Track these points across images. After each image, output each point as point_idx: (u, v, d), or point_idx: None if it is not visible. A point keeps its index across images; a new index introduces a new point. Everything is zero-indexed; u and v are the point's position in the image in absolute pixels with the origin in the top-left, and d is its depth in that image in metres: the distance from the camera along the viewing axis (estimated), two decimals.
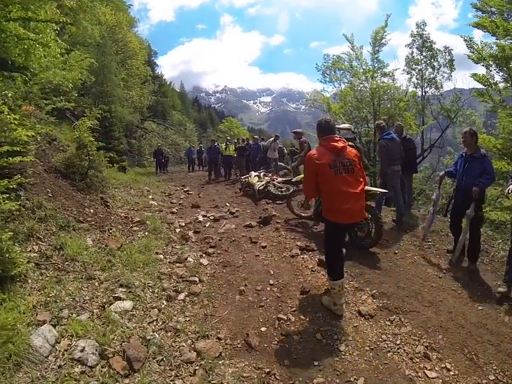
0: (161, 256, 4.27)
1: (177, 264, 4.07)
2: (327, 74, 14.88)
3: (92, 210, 5.36)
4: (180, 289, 3.51)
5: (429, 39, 13.34)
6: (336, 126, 5.12)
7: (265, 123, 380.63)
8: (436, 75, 13.20)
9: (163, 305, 3.27)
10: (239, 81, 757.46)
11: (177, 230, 5.48)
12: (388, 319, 3.10)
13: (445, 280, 3.87)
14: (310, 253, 4.52)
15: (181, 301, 3.36)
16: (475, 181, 3.82)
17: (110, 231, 4.79)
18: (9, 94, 3.65)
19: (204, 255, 4.49)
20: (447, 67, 13.08)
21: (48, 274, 3.38)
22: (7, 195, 3.82)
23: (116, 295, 3.22)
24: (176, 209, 7.18)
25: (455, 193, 4.47)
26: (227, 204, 7.76)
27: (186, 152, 20.10)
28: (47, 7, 5.30)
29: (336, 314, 3.08)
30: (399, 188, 5.51)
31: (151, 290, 3.45)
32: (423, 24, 13.48)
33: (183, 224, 5.88)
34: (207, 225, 5.84)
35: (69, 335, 2.55)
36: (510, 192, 3.39)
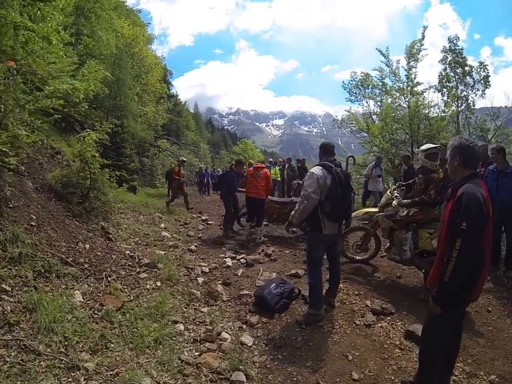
0: (181, 326, 3.03)
1: (207, 345, 2.80)
2: (354, 93, 14.31)
3: (87, 246, 4.24)
4: None
5: (462, 54, 12.60)
6: (419, 149, 4.38)
7: (277, 146, 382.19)
8: (469, 93, 12.36)
9: None
10: (252, 104, 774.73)
11: (200, 280, 4.26)
12: None
13: None
14: (388, 318, 3.42)
15: None
16: (510, 195, 4.22)
17: (109, 279, 3.62)
18: None
19: (244, 326, 3.22)
20: (481, 84, 12.19)
21: (7, 359, 2.22)
22: None
23: None
24: (196, 246, 6.00)
25: None
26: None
27: (198, 174, 19.16)
28: None
29: None
30: None
31: None
32: (455, 39, 12.80)
33: (207, 271, 4.67)
34: (239, 274, 4.60)
35: None
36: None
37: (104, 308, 3.00)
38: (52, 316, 2.57)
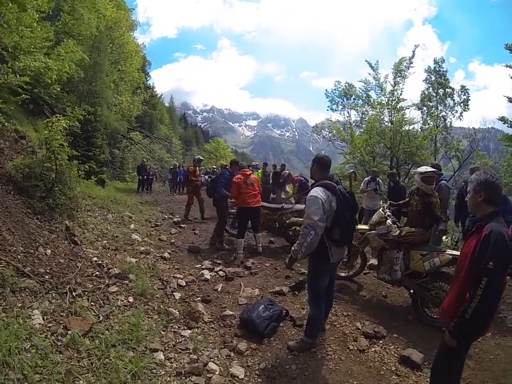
0: (161, 355, 2.63)
1: (194, 379, 2.43)
2: (336, 102, 14.47)
3: (48, 251, 3.69)
4: None
5: (445, 76, 13.10)
6: (416, 171, 4.34)
7: (248, 147, 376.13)
8: (447, 113, 12.89)
9: None
10: (227, 103, 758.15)
11: (177, 296, 3.85)
12: None
13: None
14: (381, 341, 3.30)
15: None
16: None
17: (74, 294, 3.13)
18: None
19: (232, 354, 2.87)
20: (460, 106, 12.77)
21: None
22: None
23: None
24: (169, 253, 5.53)
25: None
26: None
27: (172, 171, 17.43)
28: None
29: None
30: None
31: None
32: (441, 61, 13.22)
33: (184, 284, 4.25)
34: (218, 289, 4.24)
35: None
36: None
37: (69, 332, 2.54)
38: (7, 347, 2.09)
